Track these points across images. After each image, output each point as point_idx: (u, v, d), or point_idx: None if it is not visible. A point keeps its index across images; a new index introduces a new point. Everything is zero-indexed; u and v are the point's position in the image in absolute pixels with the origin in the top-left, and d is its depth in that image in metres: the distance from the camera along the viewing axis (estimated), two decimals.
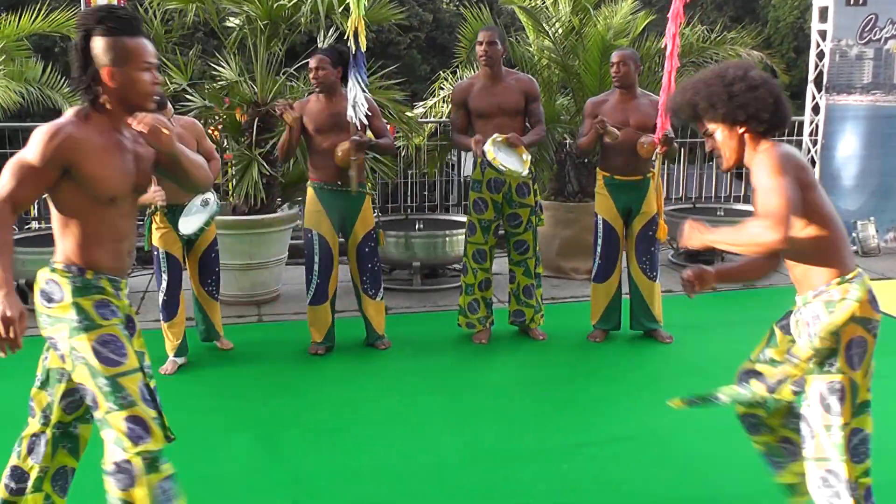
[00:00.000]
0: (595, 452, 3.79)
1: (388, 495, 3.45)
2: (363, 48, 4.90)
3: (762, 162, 2.50)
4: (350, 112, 4.89)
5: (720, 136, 2.63)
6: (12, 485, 2.72)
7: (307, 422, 4.20)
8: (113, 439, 2.45)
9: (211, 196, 4.82)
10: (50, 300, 2.52)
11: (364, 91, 4.92)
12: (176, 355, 4.97)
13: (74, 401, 2.68)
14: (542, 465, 3.67)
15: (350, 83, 4.88)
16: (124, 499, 2.46)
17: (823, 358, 2.53)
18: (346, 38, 4.92)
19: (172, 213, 4.86)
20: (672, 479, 3.57)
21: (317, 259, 5.08)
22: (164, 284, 4.95)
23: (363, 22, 4.89)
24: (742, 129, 2.58)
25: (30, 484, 2.71)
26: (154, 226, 4.92)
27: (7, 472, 2.73)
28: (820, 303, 2.55)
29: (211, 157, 5.01)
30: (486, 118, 5.14)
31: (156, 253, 4.96)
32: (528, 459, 3.73)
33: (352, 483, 3.54)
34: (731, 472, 3.60)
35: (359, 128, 4.92)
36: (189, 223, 4.84)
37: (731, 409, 2.96)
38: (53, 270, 2.55)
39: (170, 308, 4.96)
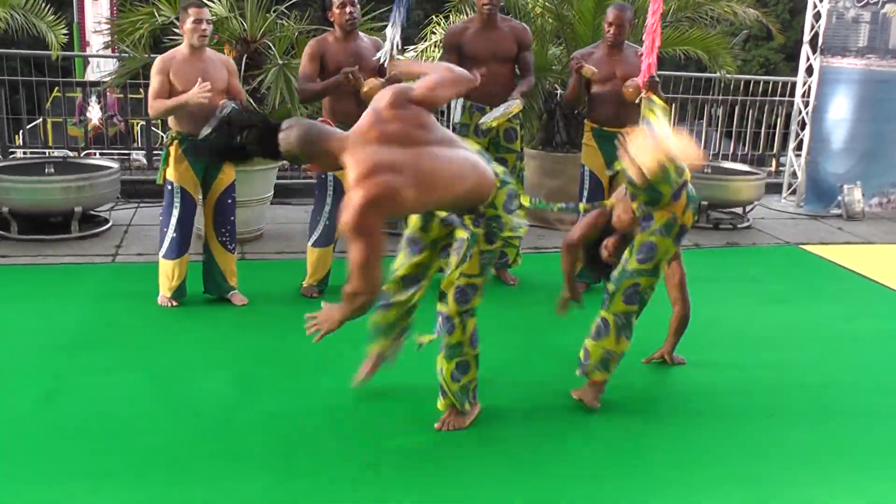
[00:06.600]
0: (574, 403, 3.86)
1: (365, 435, 3.49)
2: None
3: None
4: (385, 52, 4.78)
5: None
6: None
7: (284, 361, 4.22)
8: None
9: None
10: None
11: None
12: (173, 296, 4.84)
13: None
14: (528, 418, 3.73)
15: (393, 22, 4.79)
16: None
17: None
18: None
19: (191, 144, 4.62)
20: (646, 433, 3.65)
21: (329, 202, 4.97)
22: (173, 220, 4.73)
23: None
24: None
25: None
26: (171, 158, 4.68)
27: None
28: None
29: (239, 95, 4.84)
30: (478, 63, 5.09)
31: (169, 187, 4.72)
32: (510, 410, 3.80)
33: (329, 422, 3.58)
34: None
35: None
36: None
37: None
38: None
39: (179, 247, 4.78)
